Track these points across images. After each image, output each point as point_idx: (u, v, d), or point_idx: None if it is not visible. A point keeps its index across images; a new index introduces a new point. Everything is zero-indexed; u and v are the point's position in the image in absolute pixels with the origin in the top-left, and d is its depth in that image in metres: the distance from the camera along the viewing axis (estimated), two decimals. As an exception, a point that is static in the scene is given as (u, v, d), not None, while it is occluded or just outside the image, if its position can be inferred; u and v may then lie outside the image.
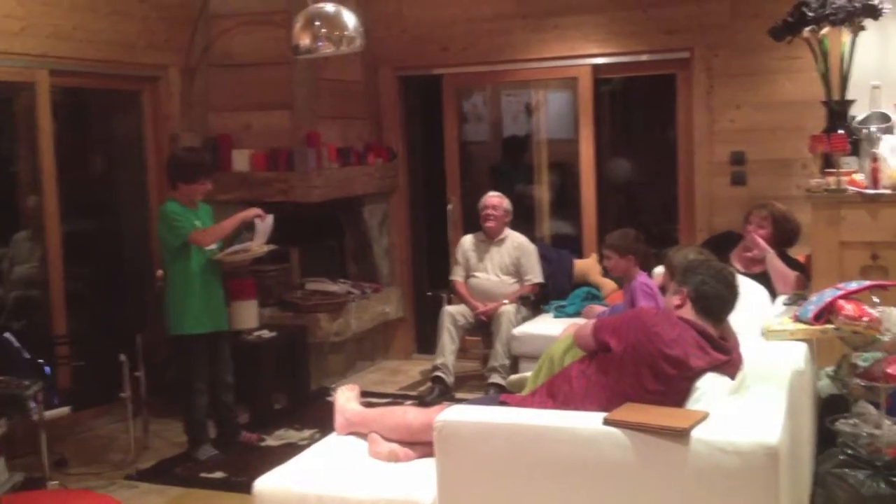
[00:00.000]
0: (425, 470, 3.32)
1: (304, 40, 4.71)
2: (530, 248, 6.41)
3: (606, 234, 5.39)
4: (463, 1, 6.88)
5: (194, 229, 5.05)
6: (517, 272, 6.38)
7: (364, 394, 4.46)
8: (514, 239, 6.42)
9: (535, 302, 6.46)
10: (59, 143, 5.63)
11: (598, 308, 5.70)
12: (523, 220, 6.93)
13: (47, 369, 4.75)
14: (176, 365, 5.27)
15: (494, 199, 6.43)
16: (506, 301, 6.21)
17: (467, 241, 6.56)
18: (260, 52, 6.38)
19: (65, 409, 4.83)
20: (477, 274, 6.45)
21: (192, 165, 5.15)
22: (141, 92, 6.28)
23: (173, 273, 5.13)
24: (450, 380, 6.14)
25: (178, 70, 6.32)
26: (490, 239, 6.45)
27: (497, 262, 6.41)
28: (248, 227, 5.33)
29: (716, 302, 3.33)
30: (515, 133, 7.74)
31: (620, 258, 5.03)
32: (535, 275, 6.36)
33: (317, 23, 4.69)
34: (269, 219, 5.26)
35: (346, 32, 4.72)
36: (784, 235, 5.31)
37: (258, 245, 5.26)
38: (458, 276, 6.52)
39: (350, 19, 4.75)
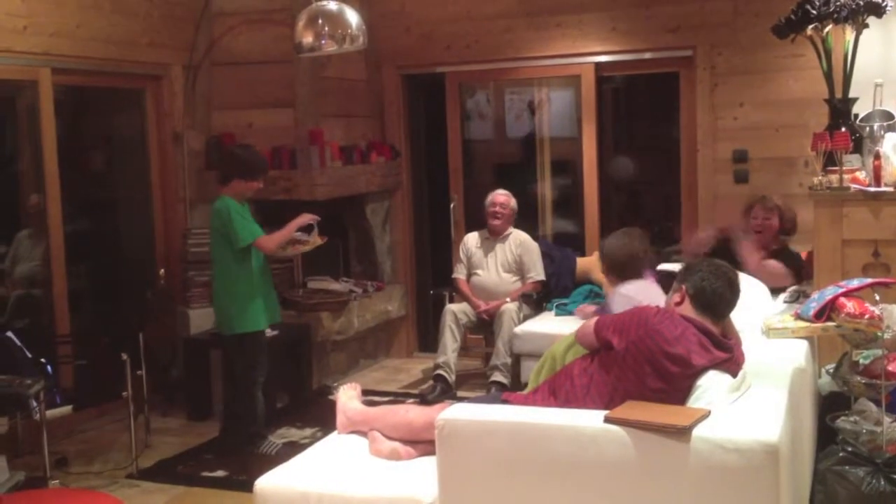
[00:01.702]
0: (426, 468, 3.32)
1: (308, 38, 4.72)
2: (532, 246, 6.41)
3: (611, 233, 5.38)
4: (466, -1, 6.89)
5: (261, 233, 5.05)
6: (519, 270, 6.38)
7: (366, 392, 4.46)
8: (517, 236, 6.42)
9: (538, 300, 6.46)
10: (62, 142, 5.64)
11: (591, 307, 5.68)
12: (526, 217, 6.93)
13: (49, 368, 4.75)
14: (240, 361, 5.18)
15: (502, 198, 6.43)
16: (508, 299, 6.22)
17: (471, 238, 6.56)
18: (263, 50, 6.39)
19: (66, 409, 4.85)
20: (479, 272, 6.45)
21: (254, 163, 5.16)
22: (144, 90, 6.28)
23: (232, 271, 5.06)
24: (451, 378, 6.13)
25: (180, 68, 6.32)
26: (494, 237, 6.45)
27: (500, 260, 6.41)
28: (308, 229, 5.32)
29: (715, 299, 3.32)
30: (519, 132, 7.74)
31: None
32: (538, 272, 6.36)
33: (320, 21, 4.70)
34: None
35: (349, 30, 4.72)
36: (789, 224, 5.45)
37: (314, 238, 5.31)
38: (460, 273, 6.52)
39: (353, 17, 4.75)
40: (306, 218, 5.21)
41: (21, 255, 5.78)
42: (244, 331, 5.09)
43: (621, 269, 4.45)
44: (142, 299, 6.30)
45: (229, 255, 5.05)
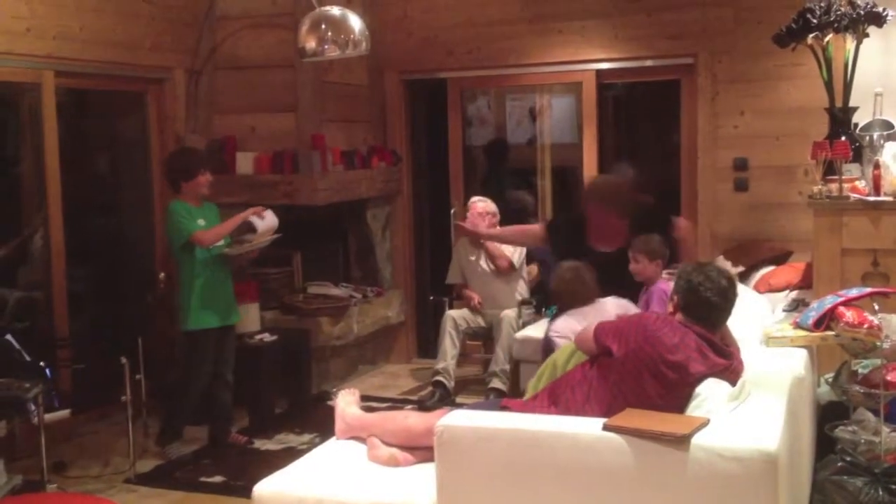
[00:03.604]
0: (425, 475, 3.32)
1: (311, 43, 4.72)
2: None
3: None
4: (468, 5, 6.89)
5: (197, 229, 5.08)
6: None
7: (365, 398, 4.46)
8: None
9: (537, 306, 6.45)
10: (64, 144, 5.64)
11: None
12: (525, 223, 6.90)
13: (48, 372, 4.74)
14: (182, 360, 5.34)
15: (480, 206, 6.40)
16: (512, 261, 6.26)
17: (463, 245, 6.55)
18: (265, 54, 6.39)
19: (65, 412, 4.82)
20: (474, 277, 6.44)
21: (186, 162, 5.23)
22: (146, 93, 6.28)
23: (181, 270, 5.22)
24: (450, 384, 6.13)
25: (183, 72, 6.33)
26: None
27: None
28: (251, 229, 5.36)
29: (707, 309, 3.29)
30: (520, 139, 7.73)
31: (650, 262, 4.86)
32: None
33: (323, 26, 4.71)
34: (269, 214, 5.32)
35: (352, 36, 4.73)
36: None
37: (259, 236, 5.31)
38: (454, 277, 6.54)
39: (356, 23, 4.76)
40: (250, 211, 5.25)
41: (30, 253, 5.77)
42: (188, 328, 5.19)
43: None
44: (141, 303, 6.30)
45: (176, 255, 5.20)
